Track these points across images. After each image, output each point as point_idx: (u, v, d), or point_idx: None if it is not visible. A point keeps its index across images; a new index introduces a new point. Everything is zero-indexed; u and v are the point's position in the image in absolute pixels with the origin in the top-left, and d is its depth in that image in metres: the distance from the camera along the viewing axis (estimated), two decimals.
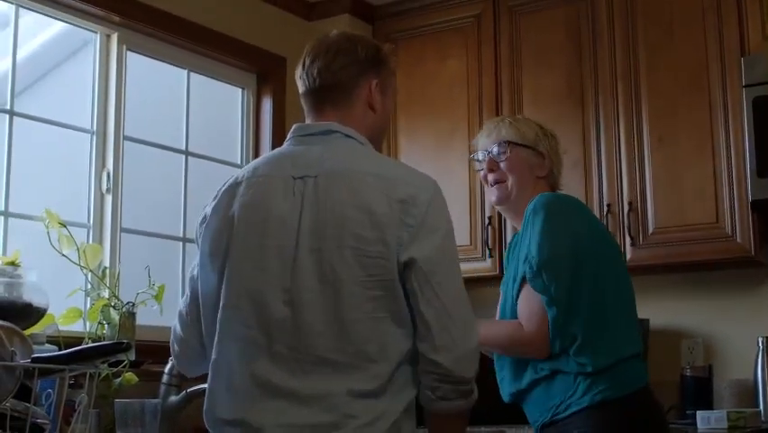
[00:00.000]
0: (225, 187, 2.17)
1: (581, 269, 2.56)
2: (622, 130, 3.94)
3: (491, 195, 2.82)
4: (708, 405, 3.81)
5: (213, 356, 2.09)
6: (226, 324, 2.06)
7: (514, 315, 2.64)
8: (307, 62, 2.20)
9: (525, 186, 2.74)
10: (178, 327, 2.26)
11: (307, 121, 2.21)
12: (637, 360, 2.63)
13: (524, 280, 2.61)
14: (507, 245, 2.94)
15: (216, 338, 2.08)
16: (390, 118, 2.32)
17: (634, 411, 2.55)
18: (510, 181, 2.75)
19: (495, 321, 2.71)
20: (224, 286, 2.07)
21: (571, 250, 2.57)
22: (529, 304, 2.58)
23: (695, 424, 3.47)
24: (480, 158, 2.82)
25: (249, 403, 2.00)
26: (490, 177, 2.78)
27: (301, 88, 2.23)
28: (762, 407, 3.72)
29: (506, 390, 2.71)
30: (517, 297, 2.62)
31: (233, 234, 2.08)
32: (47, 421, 2.43)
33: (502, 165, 2.75)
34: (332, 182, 2.03)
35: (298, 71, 2.22)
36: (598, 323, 2.56)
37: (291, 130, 2.21)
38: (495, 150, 2.77)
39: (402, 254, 1.98)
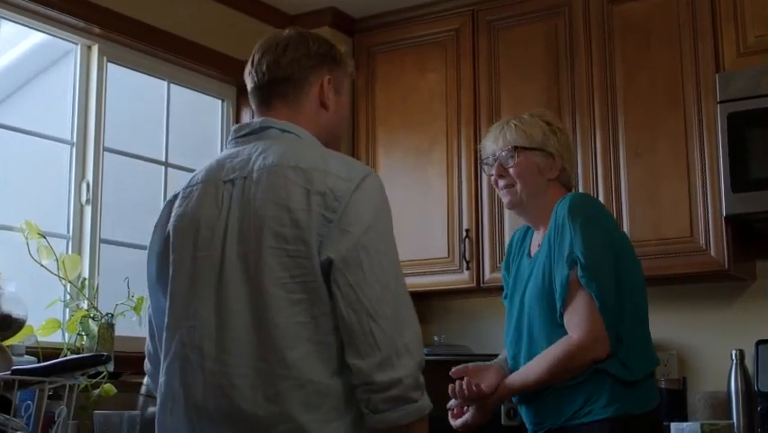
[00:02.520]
0: (165, 202, 2.11)
1: (621, 274, 2.57)
2: (598, 144, 3.97)
3: (503, 198, 2.78)
4: (683, 417, 3.85)
5: (160, 379, 2.00)
6: (168, 345, 1.98)
7: (544, 324, 2.60)
8: (256, 58, 2.10)
9: (536, 190, 2.71)
10: (147, 363, 2.19)
11: (255, 117, 2.11)
12: (654, 381, 2.65)
13: (569, 285, 2.54)
14: (509, 250, 2.90)
15: (162, 361, 2.00)
16: (346, 121, 2.19)
17: (651, 427, 2.59)
18: (519, 186, 2.71)
19: (539, 356, 2.58)
20: (167, 308, 1.99)
21: (612, 253, 2.57)
22: (577, 311, 2.53)
23: None
24: (489, 163, 2.78)
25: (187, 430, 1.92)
26: (500, 182, 2.75)
27: (249, 85, 2.12)
28: (735, 419, 3.76)
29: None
30: (563, 305, 2.55)
31: (171, 251, 2.00)
32: None
33: (511, 171, 2.71)
34: (256, 181, 1.93)
35: (247, 68, 2.12)
36: (638, 325, 2.59)
37: (231, 131, 2.11)
38: (503, 155, 2.73)
39: (322, 253, 1.85)
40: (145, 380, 3.39)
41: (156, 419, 2.01)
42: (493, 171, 2.76)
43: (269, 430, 1.84)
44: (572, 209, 2.58)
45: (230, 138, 2.10)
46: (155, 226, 2.09)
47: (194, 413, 1.91)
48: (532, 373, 2.58)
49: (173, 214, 2.03)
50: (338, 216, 1.86)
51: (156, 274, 2.06)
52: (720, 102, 3.70)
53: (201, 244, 1.95)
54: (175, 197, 2.07)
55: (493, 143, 2.76)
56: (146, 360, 2.19)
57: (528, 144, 2.71)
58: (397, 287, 1.89)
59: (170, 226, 2.01)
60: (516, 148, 2.70)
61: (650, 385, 2.61)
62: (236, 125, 2.10)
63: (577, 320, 2.52)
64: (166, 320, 1.99)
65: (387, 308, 1.85)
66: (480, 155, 2.87)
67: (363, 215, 1.88)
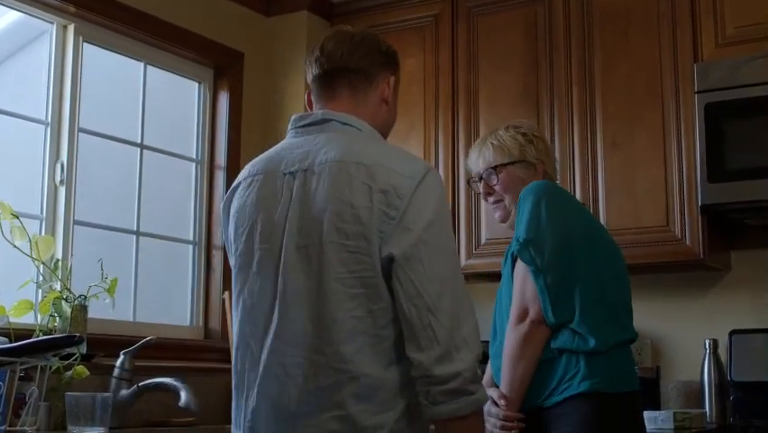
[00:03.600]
0: (229, 190, 2.17)
1: (573, 243, 2.63)
2: (576, 133, 3.98)
3: (495, 214, 2.92)
4: (656, 405, 3.87)
5: (233, 369, 2.09)
6: (235, 333, 2.07)
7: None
8: (329, 46, 2.13)
9: None
10: None
11: (315, 106, 2.15)
12: (631, 358, 2.71)
13: (514, 261, 2.68)
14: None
15: (235, 352, 2.09)
16: (395, 121, 2.29)
17: (626, 410, 2.62)
18: (507, 200, 2.84)
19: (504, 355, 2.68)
20: (234, 299, 2.09)
21: (560, 225, 2.63)
22: (516, 283, 2.66)
23: None
24: (476, 181, 2.92)
25: (248, 419, 2.00)
26: (489, 199, 2.89)
27: (316, 71, 2.14)
28: (707, 408, 3.79)
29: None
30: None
31: (233, 241, 2.09)
32: None
33: (497, 188, 2.84)
34: (318, 175, 1.98)
35: (314, 54, 2.14)
36: (595, 296, 2.62)
37: (290, 121, 2.15)
38: (486, 175, 2.86)
39: (383, 250, 1.90)
40: (118, 362, 3.41)
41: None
42: (481, 189, 2.90)
43: (318, 416, 1.90)
44: (525, 195, 2.69)
45: (289, 128, 2.14)
46: (222, 215, 2.17)
47: (243, 395, 2.01)
48: (506, 372, 2.65)
49: (235, 203, 2.11)
50: (400, 214, 1.91)
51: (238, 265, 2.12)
52: (698, 92, 3.72)
53: (261, 235, 2.01)
54: (237, 186, 2.13)
55: (475, 164, 2.91)
56: None
57: (508, 160, 2.83)
58: (455, 282, 1.94)
59: (232, 216, 2.10)
60: (496, 167, 2.83)
61: (627, 365, 2.66)
62: (296, 115, 2.14)
63: (518, 294, 2.64)
64: (233, 309, 2.09)
65: (446, 302, 1.90)
66: (468, 175, 3.02)
67: (425, 212, 1.93)
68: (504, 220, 2.89)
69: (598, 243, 2.70)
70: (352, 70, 2.11)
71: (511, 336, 2.63)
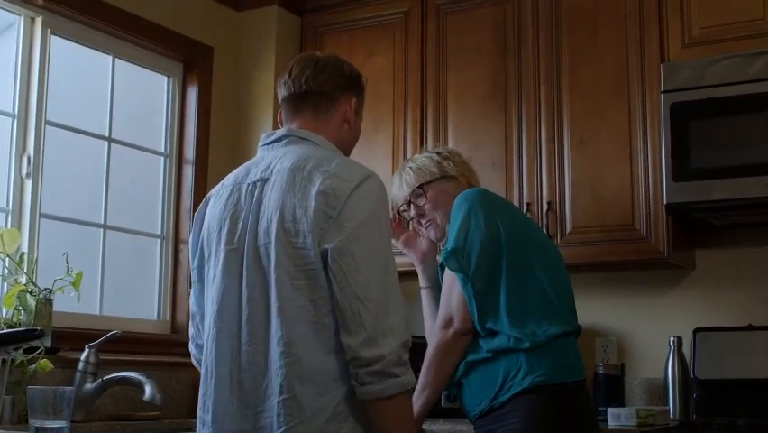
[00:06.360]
0: (202, 202, 2.39)
1: (500, 249, 2.68)
2: (543, 131, 4.00)
3: (430, 234, 2.98)
4: (620, 402, 3.89)
5: (203, 358, 2.28)
6: (206, 329, 2.26)
7: None
8: (296, 71, 2.36)
9: None
10: (191, 346, 2.45)
11: (285, 124, 2.37)
12: (573, 350, 2.76)
13: (443, 269, 2.76)
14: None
15: (205, 342, 2.27)
16: (358, 140, 2.49)
17: (573, 400, 2.68)
18: (439, 217, 2.92)
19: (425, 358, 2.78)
20: (205, 298, 2.29)
21: (487, 232, 2.69)
22: (445, 291, 2.75)
23: (606, 420, 3.55)
24: (405, 209, 3.00)
25: (221, 412, 2.18)
26: (423, 221, 2.97)
27: (284, 93, 2.38)
28: (671, 405, 3.82)
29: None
30: None
31: (205, 245, 2.30)
32: None
33: (426, 207, 2.93)
34: (272, 182, 2.20)
35: (284, 78, 2.37)
36: (523, 296, 2.67)
37: (260, 139, 2.39)
38: (413, 197, 2.95)
39: (321, 244, 2.09)
40: (82, 356, 3.41)
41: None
42: (412, 214, 2.98)
43: (272, 400, 2.09)
44: (458, 204, 2.78)
45: (259, 144, 2.37)
46: (194, 223, 2.40)
47: (217, 383, 2.19)
48: (423, 374, 2.76)
49: (207, 212, 2.34)
50: (337, 213, 2.10)
51: (197, 265, 2.35)
52: (664, 92, 3.75)
53: (227, 238, 2.23)
54: (210, 197, 2.37)
55: (399, 191, 3.00)
56: (190, 343, 2.45)
57: (430, 178, 2.94)
58: (385, 275, 2.12)
59: (205, 223, 2.33)
60: (422, 186, 2.93)
61: (568, 357, 2.72)
62: (264, 134, 2.39)
63: (444, 299, 2.75)
64: (204, 306, 2.30)
65: (374, 293, 2.08)
66: (395, 206, 3.06)
67: (359, 212, 2.12)
68: (440, 239, 2.95)
69: (530, 245, 2.76)
70: (316, 93, 2.34)
71: (434, 342, 2.74)
